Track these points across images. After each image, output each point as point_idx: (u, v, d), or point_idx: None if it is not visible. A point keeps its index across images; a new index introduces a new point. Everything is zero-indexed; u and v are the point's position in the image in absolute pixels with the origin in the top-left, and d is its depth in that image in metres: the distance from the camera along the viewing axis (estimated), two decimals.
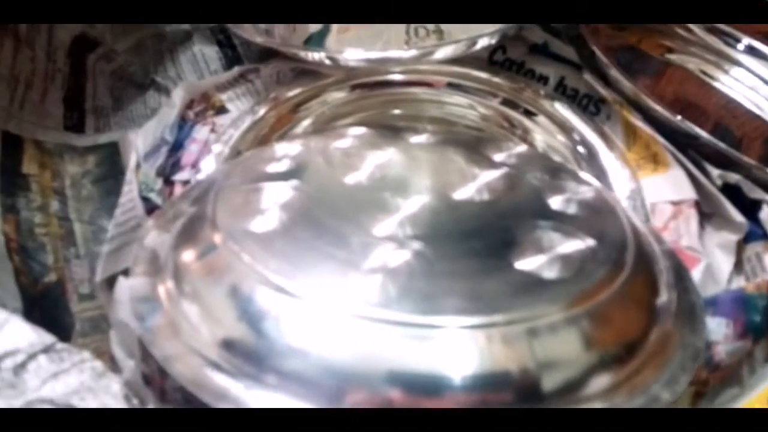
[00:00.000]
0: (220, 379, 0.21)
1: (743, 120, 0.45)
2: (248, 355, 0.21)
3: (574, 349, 0.21)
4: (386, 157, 0.29)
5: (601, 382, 0.21)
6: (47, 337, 0.24)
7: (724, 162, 0.33)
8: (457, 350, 0.20)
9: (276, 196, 0.25)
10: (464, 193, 0.27)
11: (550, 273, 0.22)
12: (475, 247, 0.23)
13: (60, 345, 0.24)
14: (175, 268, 0.24)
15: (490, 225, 0.25)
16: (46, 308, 0.33)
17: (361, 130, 0.33)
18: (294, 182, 0.26)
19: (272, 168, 0.28)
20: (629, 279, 0.23)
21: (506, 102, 0.38)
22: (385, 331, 0.20)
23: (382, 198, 0.26)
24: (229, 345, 0.21)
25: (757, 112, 0.46)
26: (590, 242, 0.24)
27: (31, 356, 0.23)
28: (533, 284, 0.22)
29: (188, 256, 0.24)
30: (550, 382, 0.20)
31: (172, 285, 0.23)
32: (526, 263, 0.23)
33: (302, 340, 0.21)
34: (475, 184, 0.28)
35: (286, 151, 0.29)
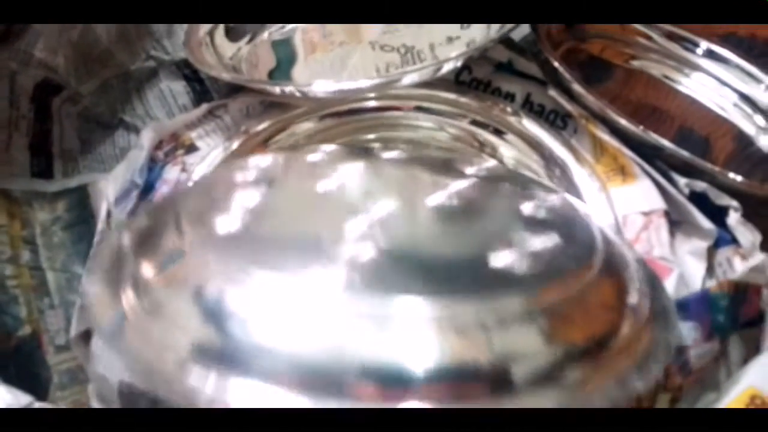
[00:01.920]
0: (193, 380, 0.20)
1: (707, 121, 0.47)
2: (217, 355, 0.20)
3: (537, 341, 0.21)
4: (357, 168, 0.29)
5: (570, 373, 0.21)
6: (24, 398, 0.24)
7: (690, 170, 0.34)
8: (419, 341, 0.20)
9: (243, 201, 0.25)
10: (435, 199, 0.27)
11: (518, 269, 0.23)
12: (444, 245, 0.24)
13: (38, 405, 0.24)
14: (137, 276, 0.23)
15: (459, 226, 0.25)
16: (21, 363, 0.33)
17: (333, 146, 0.33)
18: (262, 189, 0.26)
19: (241, 177, 0.27)
20: (597, 278, 0.23)
21: (475, 122, 0.38)
22: (350, 323, 0.20)
23: (353, 203, 0.26)
24: (197, 349, 0.21)
25: (720, 112, 0.47)
26: (559, 241, 0.24)
27: None
28: (499, 278, 0.22)
29: (150, 263, 0.23)
30: (517, 372, 0.20)
31: (134, 294, 0.23)
32: (495, 259, 0.23)
33: (265, 336, 0.20)
34: (446, 192, 0.28)
35: (257, 163, 0.29)
